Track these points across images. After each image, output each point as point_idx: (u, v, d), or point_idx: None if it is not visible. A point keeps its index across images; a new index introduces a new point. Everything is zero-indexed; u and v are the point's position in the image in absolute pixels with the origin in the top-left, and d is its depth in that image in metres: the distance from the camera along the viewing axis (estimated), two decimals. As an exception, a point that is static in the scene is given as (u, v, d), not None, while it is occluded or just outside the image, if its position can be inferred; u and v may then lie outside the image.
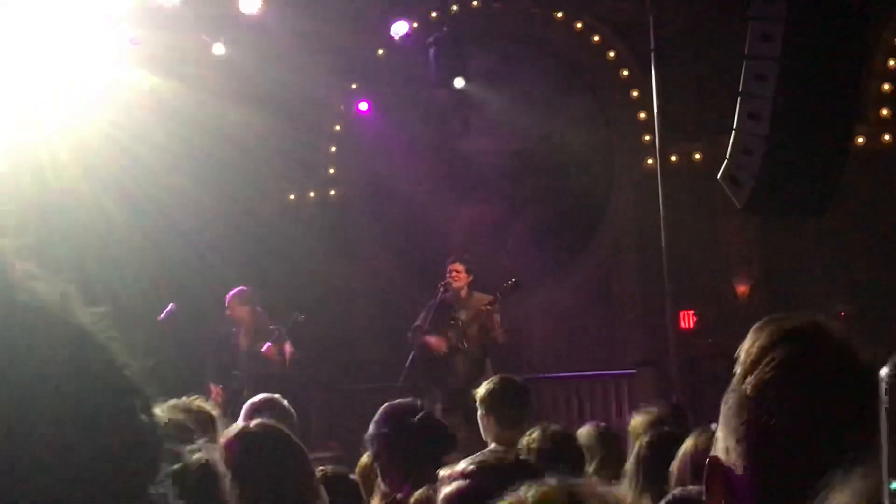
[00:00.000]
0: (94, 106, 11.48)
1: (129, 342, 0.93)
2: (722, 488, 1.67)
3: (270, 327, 10.84)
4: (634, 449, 4.45)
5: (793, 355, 1.71)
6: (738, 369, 1.75)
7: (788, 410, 1.62)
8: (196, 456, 2.89)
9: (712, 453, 1.73)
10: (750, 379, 1.70)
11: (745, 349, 1.75)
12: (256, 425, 3.56)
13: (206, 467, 2.69)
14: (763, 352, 1.72)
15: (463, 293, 10.73)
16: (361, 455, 5.55)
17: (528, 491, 1.78)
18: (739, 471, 1.65)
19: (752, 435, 1.65)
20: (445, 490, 2.68)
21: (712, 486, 1.70)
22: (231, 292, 10.91)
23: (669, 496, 3.13)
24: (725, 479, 1.67)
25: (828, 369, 1.69)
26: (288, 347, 10.83)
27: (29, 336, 0.84)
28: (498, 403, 6.00)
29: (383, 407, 4.71)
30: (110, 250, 11.62)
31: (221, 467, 2.74)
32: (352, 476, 4.71)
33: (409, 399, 4.76)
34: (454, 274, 10.71)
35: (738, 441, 1.67)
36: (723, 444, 1.70)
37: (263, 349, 10.64)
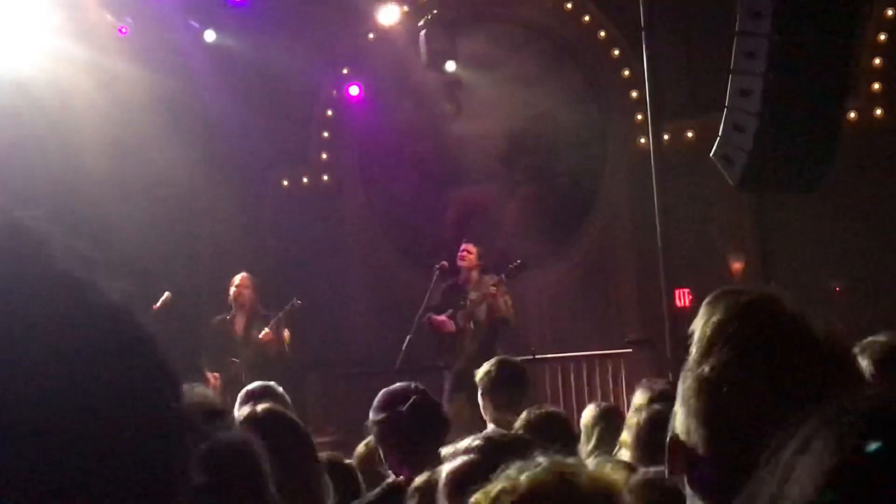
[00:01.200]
0: (84, 95, 11.44)
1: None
2: (684, 467, 1.67)
3: (263, 314, 10.86)
4: (632, 425, 4.45)
5: (749, 334, 1.69)
6: (693, 347, 1.73)
7: (749, 392, 1.61)
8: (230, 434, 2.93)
9: (672, 431, 1.72)
10: (708, 359, 1.68)
11: (700, 326, 1.73)
12: (263, 410, 3.56)
13: (244, 444, 2.69)
14: (718, 329, 1.70)
15: (473, 276, 10.79)
16: (359, 439, 5.56)
17: (520, 472, 1.77)
18: (702, 451, 1.64)
19: (713, 417, 1.64)
20: (449, 466, 2.68)
21: (674, 465, 1.69)
22: (243, 274, 10.93)
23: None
24: (687, 458, 1.66)
25: (786, 346, 1.67)
26: (286, 333, 10.85)
27: (72, 313, 0.84)
28: (495, 386, 6.02)
29: (380, 393, 4.71)
30: (102, 239, 11.61)
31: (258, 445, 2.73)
32: (347, 461, 4.71)
33: (404, 383, 4.76)
34: (464, 253, 10.79)
35: (699, 423, 1.66)
36: (683, 424, 1.69)
37: (262, 335, 10.64)
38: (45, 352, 0.81)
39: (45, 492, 0.79)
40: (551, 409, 5.43)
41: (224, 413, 2.94)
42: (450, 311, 10.70)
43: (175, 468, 0.88)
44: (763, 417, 1.23)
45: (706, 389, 1.66)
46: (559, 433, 5.03)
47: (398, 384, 4.75)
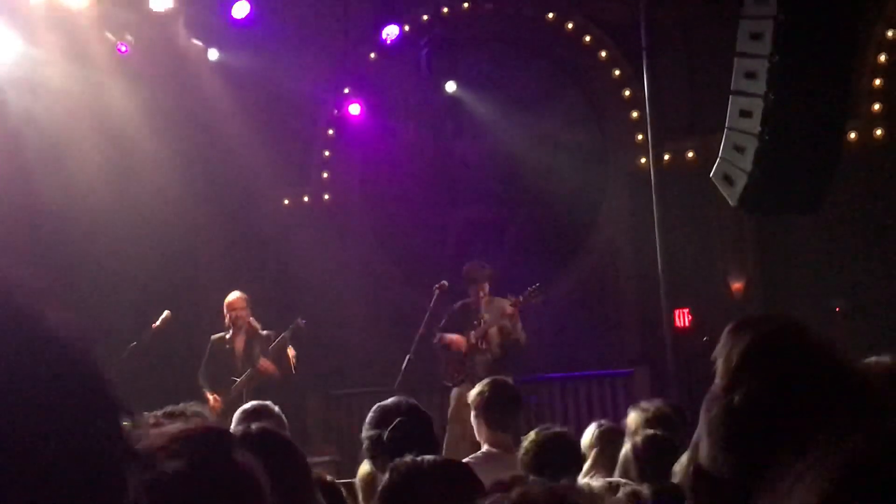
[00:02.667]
0: (84, 114, 11.46)
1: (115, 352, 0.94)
2: (709, 495, 1.66)
3: (263, 333, 10.83)
4: (627, 447, 4.45)
5: (778, 363, 1.69)
6: (719, 375, 1.72)
7: (780, 422, 1.61)
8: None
9: (695, 458, 1.71)
10: (736, 389, 1.67)
11: (725, 354, 1.73)
12: (258, 429, 3.54)
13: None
14: (746, 358, 1.70)
15: (483, 297, 10.80)
16: (358, 459, 5.55)
17: (511, 491, 1.78)
18: (730, 480, 1.63)
19: (743, 448, 1.63)
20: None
21: (699, 494, 1.68)
22: (237, 294, 10.87)
23: None
24: (712, 486, 1.65)
25: (816, 376, 1.67)
26: (291, 352, 10.83)
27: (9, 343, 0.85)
28: (488, 406, 6.00)
29: (373, 408, 4.70)
30: (103, 257, 11.61)
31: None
32: (332, 479, 4.70)
33: (396, 399, 4.75)
34: (481, 293, 10.83)
35: (729, 452, 1.65)
36: (709, 451, 1.68)
37: (259, 366, 10.60)
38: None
39: None
40: (559, 429, 5.41)
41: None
42: (459, 330, 10.73)
43: (113, 497, 0.88)
44: (794, 447, 1.23)
45: (736, 420, 1.66)
46: (566, 456, 5.03)
47: (391, 399, 4.73)
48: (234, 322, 10.76)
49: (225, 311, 10.80)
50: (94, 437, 0.87)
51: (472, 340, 10.67)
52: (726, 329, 1.78)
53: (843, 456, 0.97)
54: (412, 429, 4.54)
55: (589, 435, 5.57)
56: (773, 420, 1.62)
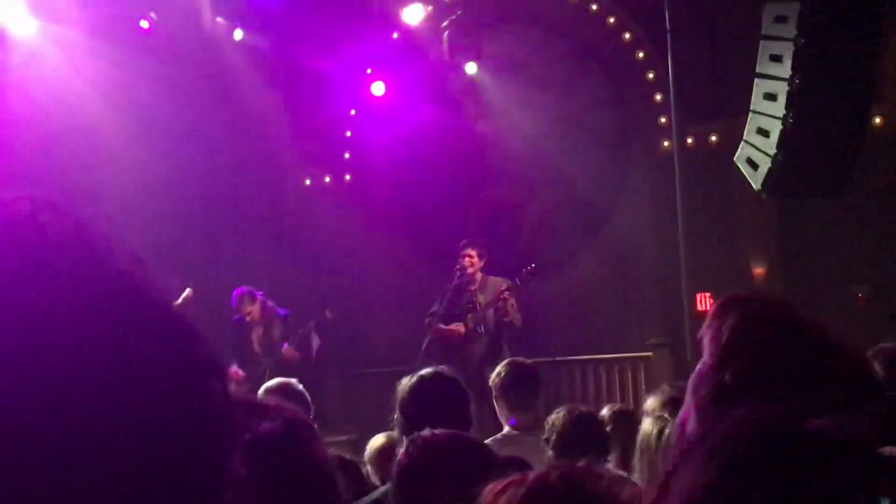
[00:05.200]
0: (107, 91, 11.49)
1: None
2: None
3: (280, 314, 10.93)
4: (642, 432, 4.44)
5: (769, 340, 1.67)
6: (706, 353, 1.71)
7: (771, 399, 1.60)
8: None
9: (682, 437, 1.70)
10: (727, 366, 1.66)
11: (711, 333, 1.71)
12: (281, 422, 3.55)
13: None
14: (736, 335, 1.68)
15: (478, 277, 10.74)
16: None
17: (533, 473, 1.78)
18: None
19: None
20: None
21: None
22: (240, 294, 10.97)
23: None
24: None
25: (807, 352, 1.66)
26: (315, 341, 10.93)
27: (116, 307, 0.88)
28: (507, 388, 6.01)
29: (412, 378, 4.71)
30: (126, 237, 11.64)
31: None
32: (351, 458, 4.72)
33: (434, 369, 4.75)
34: (467, 259, 10.73)
35: None
36: (699, 431, 1.68)
37: (284, 350, 10.72)
38: (106, 343, 0.85)
39: (104, 472, 0.82)
40: (586, 409, 5.41)
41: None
42: (455, 314, 10.68)
43: (222, 453, 0.91)
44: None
45: (727, 397, 1.65)
46: (593, 436, 5.03)
47: (430, 370, 4.74)
48: (249, 323, 10.91)
49: (239, 310, 10.95)
50: (199, 396, 0.89)
51: (470, 325, 10.63)
52: (713, 307, 1.77)
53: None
54: (447, 402, 4.54)
55: (605, 419, 5.58)
56: (765, 397, 1.61)
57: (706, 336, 1.72)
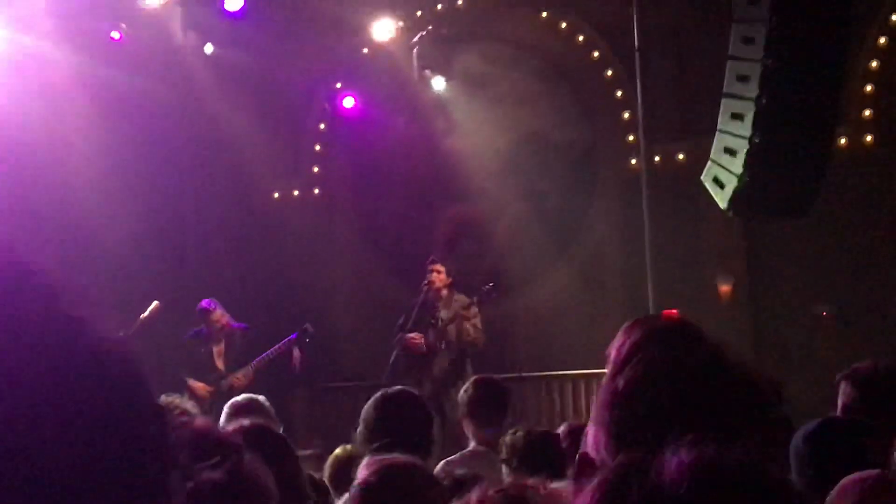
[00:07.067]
0: (75, 104, 11.43)
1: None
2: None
3: (237, 326, 10.91)
4: None
5: (662, 354, 1.71)
6: (608, 367, 1.75)
7: (657, 409, 1.62)
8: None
9: (582, 448, 1.73)
10: (621, 375, 1.69)
11: (616, 347, 1.75)
12: (253, 425, 3.56)
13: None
14: (633, 349, 1.72)
15: (444, 293, 10.76)
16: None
17: (475, 493, 1.81)
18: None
19: (622, 431, 1.64)
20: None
21: (580, 483, 1.68)
22: (210, 304, 10.90)
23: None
24: (593, 474, 1.65)
25: (695, 369, 1.69)
26: (296, 353, 10.93)
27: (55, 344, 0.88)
28: (476, 404, 6.01)
29: (375, 396, 4.74)
30: (91, 247, 11.58)
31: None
32: (318, 476, 4.73)
33: (399, 388, 4.79)
34: (434, 274, 10.73)
35: (609, 436, 1.66)
36: (593, 438, 1.70)
37: (234, 379, 10.67)
38: (41, 384, 0.85)
39: None
40: (542, 430, 5.43)
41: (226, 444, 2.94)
42: (420, 329, 10.67)
43: (160, 492, 0.90)
44: (669, 433, 1.24)
45: (617, 404, 1.67)
46: (549, 456, 5.04)
47: (396, 388, 4.78)
48: (221, 329, 10.84)
49: (207, 322, 10.85)
50: (142, 443, 0.88)
51: (431, 340, 10.63)
52: (622, 328, 1.81)
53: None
54: (410, 419, 4.57)
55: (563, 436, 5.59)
56: (651, 406, 1.63)
57: (611, 353, 1.77)
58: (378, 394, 4.75)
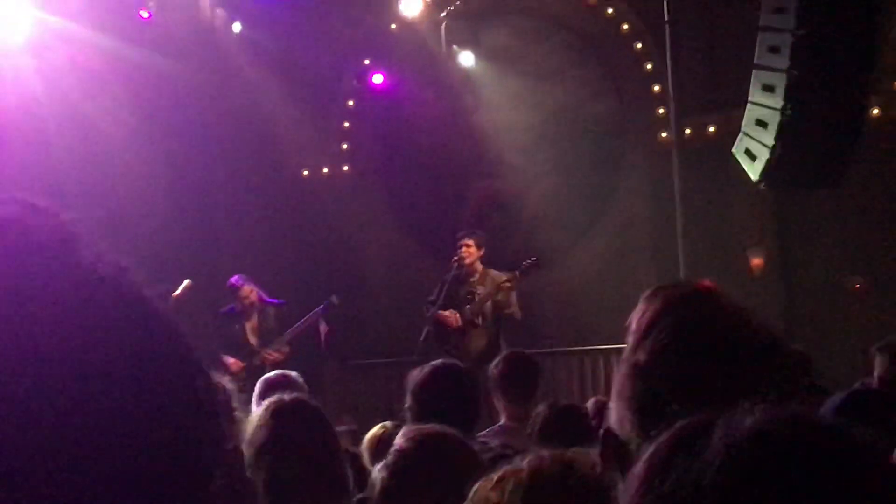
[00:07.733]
0: (104, 83, 11.47)
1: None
2: (616, 459, 1.64)
3: (272, 303, 10.94)
4: None
5: (684, 323, 1.68)
6: (629, 339, 1.72)
7: (681, 379, 1.59)
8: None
9: (606, 424, 1.71)
10: (641, 348, 1.67)
11: (637, 318, 1.72)
12: (291, 399, 3.58)
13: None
14: (654, 319, 1.69)
15: (477, 268, 10.73)
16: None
17: (523, 460, 1.78)
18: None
19: (645, 404, 1.62)
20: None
21: (606, 458, 1.66)
22: (238, 280, 10.94)
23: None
24: (619, 450, 1.63)
25: (719, 336, 1.66)
26: (323, 328, 10.93)
27: (100, 309, 0.87)
28: (506, 379, 6.01)
29: (424, 369, 4.76)
30: (121, 225, 11.64)
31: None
32: (351, 448, 4.75)
33: (447, 362, 4.81)
34: (465, 249, 10.71)
35: (632, 411, 1.64)
36: (616, 414, 1.68)
37: (270, 354, 10.70)
38: (89, 346, 0.85)
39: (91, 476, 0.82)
40: (567, 403, 5.43)
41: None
42: (452, 305, 10.65)
43: (210, 454, 0.91)
44: (694, 405, 1.21)
45: (640, 376, 1.65)
46: (575, 429, 5.04)
47: (443, 362, 4.79)
48: (250, 306, 10.88)
49: (237, 298, 10.90)
50: (186, 397, 0.89)
51: (468, 316, 10.61)
52: (642, 297, 1.78)
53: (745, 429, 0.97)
54: (459, 393, 4.59)
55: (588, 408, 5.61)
56: (675, 376, 1.60)
57: (632, 324, 1.74)
58: (426, 367, 4.76)
